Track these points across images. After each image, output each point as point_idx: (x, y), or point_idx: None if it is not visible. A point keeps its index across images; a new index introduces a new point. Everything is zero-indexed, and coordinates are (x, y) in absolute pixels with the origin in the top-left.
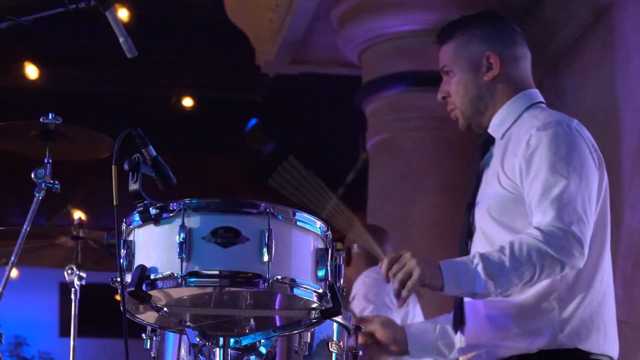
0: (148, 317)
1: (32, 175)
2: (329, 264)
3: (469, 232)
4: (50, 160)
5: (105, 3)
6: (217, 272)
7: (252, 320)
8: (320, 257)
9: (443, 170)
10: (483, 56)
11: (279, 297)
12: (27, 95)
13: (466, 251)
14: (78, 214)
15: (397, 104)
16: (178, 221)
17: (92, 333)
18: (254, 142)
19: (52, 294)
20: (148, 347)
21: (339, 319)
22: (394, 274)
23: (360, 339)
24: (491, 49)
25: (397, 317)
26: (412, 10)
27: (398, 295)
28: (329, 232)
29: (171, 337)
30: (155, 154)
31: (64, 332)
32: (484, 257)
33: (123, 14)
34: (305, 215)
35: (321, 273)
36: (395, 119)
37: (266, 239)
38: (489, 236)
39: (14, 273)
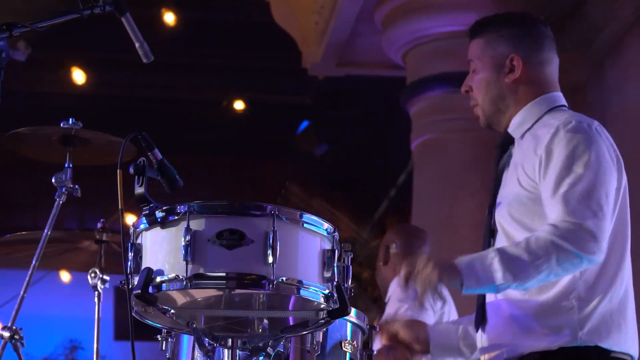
0: (160, 318)
1: (53, 180)
2: (335, 265)
3: (491, 232)
4: (71, 165)
5: (121, 8)
6: (223, 274)
7: (265, 321)
8: (327, 259)
9: (487, 171)
10: (507, 57)
11: (292, 298)
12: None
13: (488, 247)
14: (130, 218)
15: (441, 105)
16: (183, 224)
17: (146, 336)
18: (306, 144)
19: (106, 298)
20: (163, 348)
21: (353, 318)
22: (415, 279)
23: (384, 340)
24: (516, 51)
25: (432, 318)
26: (455, 11)
27: (421, 300)
28: (336, 233)
29: (185, 339)
30: (161, 157)
31: (119, 335)
32: (500, 251)
33: (169, 18)
34: (313, 217)
35: (328, 274)
36: (439, 120)
37: (271, 241)
38: (511, 236)
39: (67, 277)
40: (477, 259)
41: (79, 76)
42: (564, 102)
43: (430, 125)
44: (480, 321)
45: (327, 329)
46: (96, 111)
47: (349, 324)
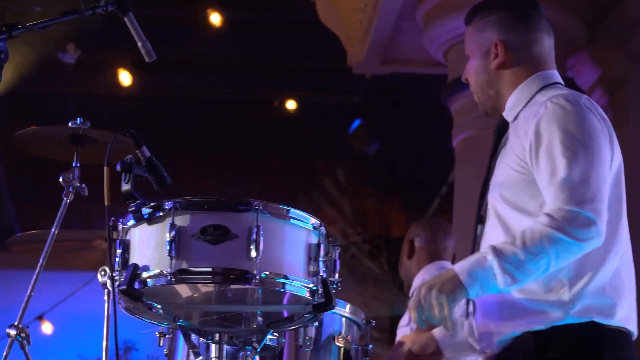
0: (149, 314)
1: (60, 180)
2: (321, 259)
3: (479, 218)
4: (79, 164)
5: (123, 8)
6: (207, 269)
7: (258, 316)
8: (313, 253)
9: None
10: (492, 43)
11: (285, 293)
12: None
13: (476, 236)
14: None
15: None
16: (169, 220)
17: None
18: (358, 143)
19: None
20: (160, 344)
21: (346, 313)
22: (427, 307)
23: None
24: (500, 36)
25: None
26: None
27: (447, 327)
28: (322, 227)
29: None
30: (149, 154)
31: None
32: (497, 252)
33: (215, 18)
34: (299, 212)
35: (314, 268)
36: (480, 117)
37: (254, 236)
38: (503, 219)
39: None
40: (476, 266)
41: (125, 78)
42: (557, 79)
43: (471, 122)
44: (470, 306)
45: (320, 324)
46: (144, 113)
47: (342, 319)
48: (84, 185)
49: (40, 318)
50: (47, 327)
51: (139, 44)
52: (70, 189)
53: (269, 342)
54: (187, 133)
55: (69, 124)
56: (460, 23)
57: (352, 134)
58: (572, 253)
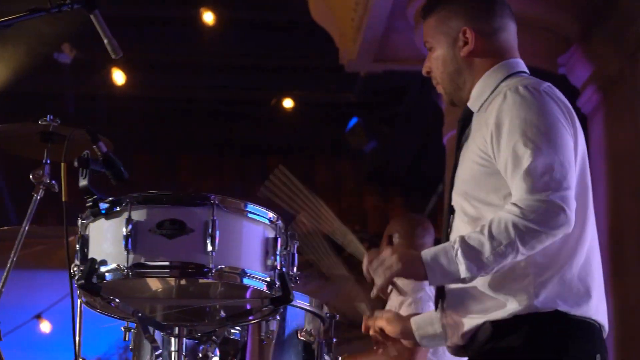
0: (109, 308)
1: (31, 177)
2: (278, 252)
3: (450, 209)
4: (49, 161)
5: (89, 6)
6: (163, 263)
7: (220, 310)
8: (270, 247)
9: None
10: (460, 31)
11: (250, 287)
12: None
13: (448, 228)
14: None
15: None
16: (125, 214)
17: None
18: (356, 141)
19: None
20: (126, 339)
21: (308, 307)
22: (374, 269)
23: (372, 335)
24: (468, 23)
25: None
26: None
27: (382, 290)
28: (279, 221)
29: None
30: (106, 150)
31: None
32: (463, 241)
33: (208, 17)
34: (256, 206)
35: (271, 262)
36: None
37: (210, 230)
38: (468, 213)
39: None
40: (441, 252)
41: (119, 77)
42: (522, 68)
43: None
44: (439, 297)
45: (283, 318)
46: (141, 112)
47: (305, 313)
48: (54, 182)
49: (38, 317)
50: (45, 326)
51: (105, 41)
52: (41, 186)
53: (232, 336)
54: (186, 132)
55: (39, 122)
56: None
57: (349, 132)
58: (541, 241)
